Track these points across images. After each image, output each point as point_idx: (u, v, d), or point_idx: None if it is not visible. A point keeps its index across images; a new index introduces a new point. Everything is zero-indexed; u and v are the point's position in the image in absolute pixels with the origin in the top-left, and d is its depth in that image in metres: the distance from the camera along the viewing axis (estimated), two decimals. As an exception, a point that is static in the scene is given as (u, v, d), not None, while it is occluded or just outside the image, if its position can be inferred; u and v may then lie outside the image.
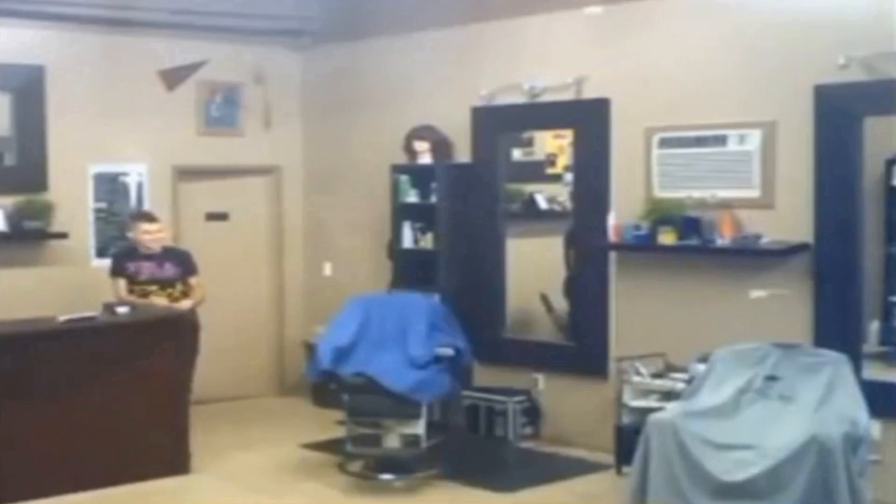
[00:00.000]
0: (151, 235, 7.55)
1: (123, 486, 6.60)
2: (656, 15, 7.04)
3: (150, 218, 7.70)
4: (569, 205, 7.92)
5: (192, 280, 7.61)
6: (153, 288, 7.45)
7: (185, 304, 7.45)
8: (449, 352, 6.87)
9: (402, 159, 8.30)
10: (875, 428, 5.50)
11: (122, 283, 7.46)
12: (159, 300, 7.42)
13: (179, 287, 7.53)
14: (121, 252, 7.79)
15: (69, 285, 7.89)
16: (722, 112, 6.74)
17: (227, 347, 8.73)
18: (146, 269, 7.49)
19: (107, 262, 7.81)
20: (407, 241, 8.15)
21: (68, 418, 6.53)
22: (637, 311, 7.20)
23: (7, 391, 6.34)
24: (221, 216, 9.10)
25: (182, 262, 7.61)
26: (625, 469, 6.33)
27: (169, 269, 7.53)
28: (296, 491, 6.72)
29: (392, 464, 6.82)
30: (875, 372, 6.19)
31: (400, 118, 8.35)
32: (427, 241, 8.06)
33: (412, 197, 8.12)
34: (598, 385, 7.32)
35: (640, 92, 7.11)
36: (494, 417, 7.67)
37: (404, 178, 8.14)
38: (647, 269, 7.14)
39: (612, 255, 7.30)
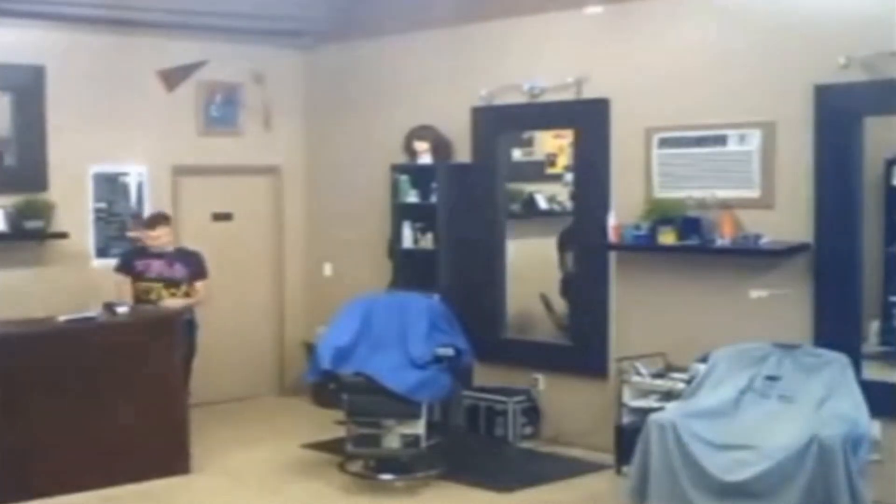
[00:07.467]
0: (153, 241, 7.56)
1: (123, 486, 6.61)
2: (656, 15, 7.05)
3: (149, 225, 7.68)
4: (569, 205, 7.92)
5: (199, 284, 7.59)
6: (158, 285, 7.44)
7: (173, 303, 7.39)
8: (449, 352, 6.88)
9: (402, 159, 8.31)
10: (875, 428, 5.49)
11: (122, 280, 7.47)
12: (172, 301, 7.39)
13: (184, 288, 7.51)
14: (131, 251, 7.82)
15: (69, 285, 7.89)
16: (722, 112, 6.74)
17: (227, 347, 8.73)
18: (155, 266, 7.48)
19: (107, 262, 7.82)
20: (407, 241, 8.15)
21: (68, 418, 6.53)
22: (637, 311, 7.20)
23: (7, 391, 6.34)
24: (225, 216, 9.08)
25: (192, 265, 7.58)
26: (625, 469, 6.33)
27: (178, 270, 7.51)
28: (296, 491, 6.72)
29: (392, 464, 6.82)
30: (875, 372, 6.18)
31: (400, 118, 8.35)
32: (427, 241, 8.06)
33: (412, 197, 8.13)
34: (598, 385, 7.32)
35: (640, 92, 7.11)
36: (494, 417, 7.66)
37: (404, 178, 8.14)
38: (647, 269, 7.14)
39: (612, 255, 7.30)
